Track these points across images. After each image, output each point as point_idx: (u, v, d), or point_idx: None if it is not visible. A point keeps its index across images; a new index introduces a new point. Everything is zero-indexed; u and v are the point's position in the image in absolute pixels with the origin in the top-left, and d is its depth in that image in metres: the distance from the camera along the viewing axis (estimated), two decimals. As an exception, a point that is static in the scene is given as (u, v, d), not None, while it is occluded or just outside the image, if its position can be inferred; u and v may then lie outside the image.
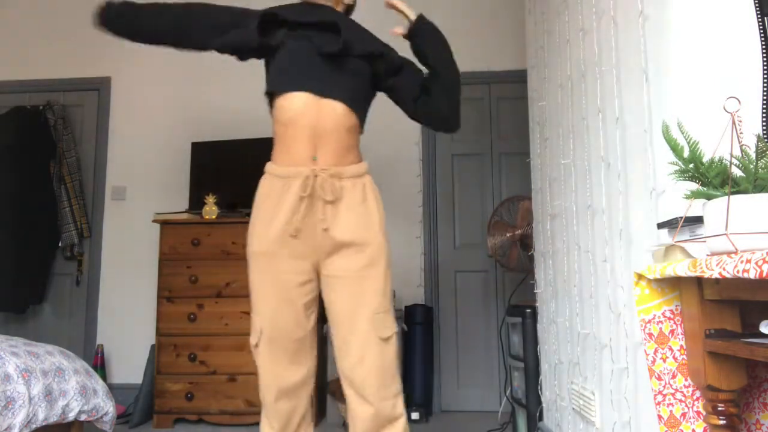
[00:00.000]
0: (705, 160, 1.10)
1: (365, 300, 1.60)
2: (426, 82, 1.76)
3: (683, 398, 1.19)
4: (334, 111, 1.64)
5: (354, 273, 1.61)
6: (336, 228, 1.61)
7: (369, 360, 1.59)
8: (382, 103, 1.96)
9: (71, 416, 2.22)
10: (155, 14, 1.73)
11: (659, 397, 1.19)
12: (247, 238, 1.72)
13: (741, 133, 1.18)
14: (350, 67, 1.69)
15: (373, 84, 1.77)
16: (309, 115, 1.63)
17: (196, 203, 3.60)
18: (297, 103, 1.64)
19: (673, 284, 1.22)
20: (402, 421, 1.64)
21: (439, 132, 1.93)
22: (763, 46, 1.36)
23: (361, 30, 1.78)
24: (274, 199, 1.65)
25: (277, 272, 1.63)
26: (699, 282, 1.13)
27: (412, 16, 1.73)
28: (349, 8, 1.89)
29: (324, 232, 1.60)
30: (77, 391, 2.24)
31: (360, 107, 1.73)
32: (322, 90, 1.64)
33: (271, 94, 1.71)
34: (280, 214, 1.62)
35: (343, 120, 1.66)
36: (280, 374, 1.64)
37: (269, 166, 1.71)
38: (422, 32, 1.74)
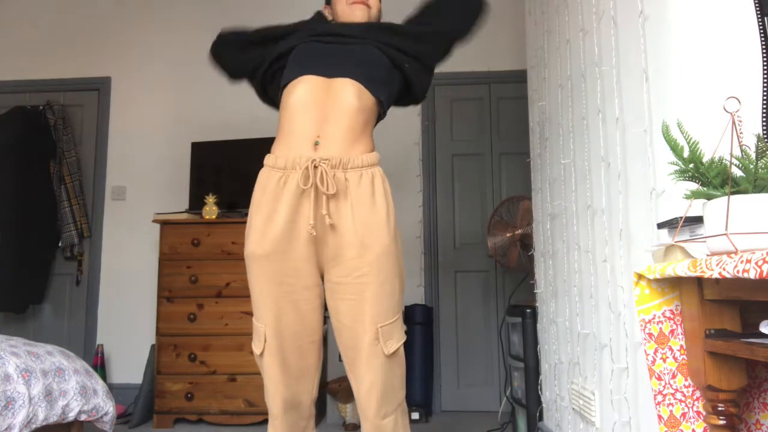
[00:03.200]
0: (705, 160, 1.10)
1: (369, 311, 1.46)
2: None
3: (683, 398, 1.19)
4: (344, 89, 1.52)
5: (357, 279, 1.47)
6: (339, 226, 1.46)
7: (372, 376, 1.48)
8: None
9: (71, 416, 2.22)
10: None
11: (659, 397, 1.19)
12: (247, 224, 1.55)
13: (741, 133, 1.18)
14: (363, 53, 1.59)
15: (399, 77, 1.67)
16: (316, 95, 1.51)
17: (196, 203, 3.60)
18: (303, 86, 1.53)
19: (673, 284, 1.22)
20: (406, 420, 1.60)
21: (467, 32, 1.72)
22: (763, 46, 1.36)
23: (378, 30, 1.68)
24: (271, 194, 1.50)
25: (279, 275, 1.49)
26: (699, 282, 1.13)
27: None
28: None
29: (327, 229, 1.46)
30: (77, 391, 2.23)
31: (378, 89, 1.58)
32: (331, 71, 1.52)
33: (282, 91, 1.62)
34: (279, 210, 1.48)
35: (356, 100, 1.51)
36: (287, 384, 1.51)
37: (267, 158, 1.58)
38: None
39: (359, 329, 1.48)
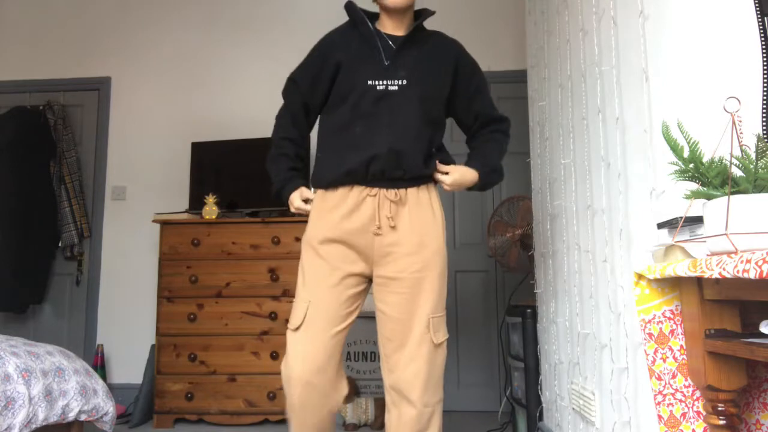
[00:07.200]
0: (705, 160, 1.10)
1: (422, 302, 1.62)
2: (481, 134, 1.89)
3: (683, 398, 1.19)
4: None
5: (411, 275, 1.63)
6: (398, 227, 1.64)
7: (420, 362, 1.60)
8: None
9: (71, 416, 2.22)
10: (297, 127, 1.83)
11: (659, 397, 1.19)
12: (309, 221, 1.72)
13: (741, 133, 1.18)
14: (415, 117, 1.69)
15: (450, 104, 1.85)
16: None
17: (196, 203, 3.60)
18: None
19: (673, 284, 1.22)
20: (441, 420, 1.66)
21: None
22: (763, 46, 1.36)
23: (426, 63, 1.75)
24: (340, 194, 1.67)
25: (333, 261, 1.63)
26: (699, 282, 1.13)
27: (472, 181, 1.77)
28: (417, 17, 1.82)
29: (388, 230, 1.63)
30: (77, 391, 2.23)
31: (430, 146, 1.75)
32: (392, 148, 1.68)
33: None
34: (343, 206, 1.65)
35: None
36: (314, 358, 1.58)
37: None
38: (487, 183, 1.81)
39: (412, 320, 1.62)
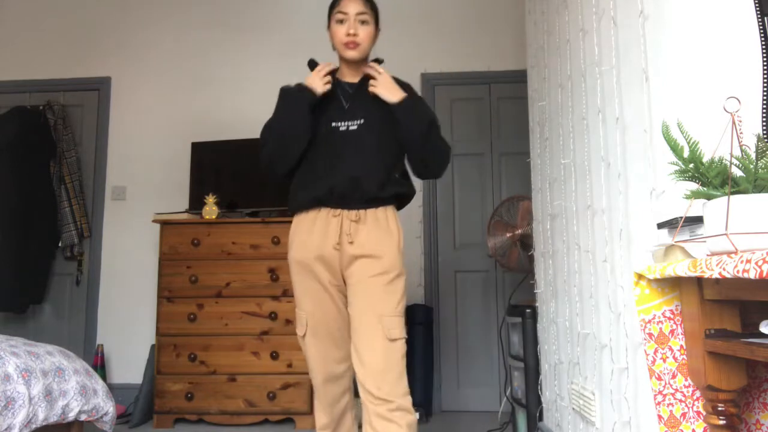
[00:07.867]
0: (705, 160, 1.10)
1: (375, 302, 1.79)
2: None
3: (683, 398, 1.19)
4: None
5: (366, 278, 1.82)
6: (357, 242, 1.84)
7: (376, 355, 1.75)
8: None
9: (71, 416, 2.22)
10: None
11: (659, 397, 1.19)
12: (288, 244, 1.97)
13: (741, 133, 1.18)
14: (372, 150, 1.90)
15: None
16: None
17: (196, 203, 3.60)
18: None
19: (673, 284, 1.22)
20: (410, 417, 1.73)
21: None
22: (763, 46, 1.36)
23: (372, 100, 1.94)
24: (311, 217, 1.90)
25: (315, 276, 1.87)
26: (699, 282, 1.13)
27: (394, 100, 1.88)
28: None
29: (347, 245, 1.84)
30: (77, 391, 2.23)
31: (386, 174, 1.92)
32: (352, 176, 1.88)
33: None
34: (315, 229, 1.88)
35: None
36: (326, 359, 1.88)
37: None
38: (400, 112, 1.90)
39: (366, 317, 1.79)
